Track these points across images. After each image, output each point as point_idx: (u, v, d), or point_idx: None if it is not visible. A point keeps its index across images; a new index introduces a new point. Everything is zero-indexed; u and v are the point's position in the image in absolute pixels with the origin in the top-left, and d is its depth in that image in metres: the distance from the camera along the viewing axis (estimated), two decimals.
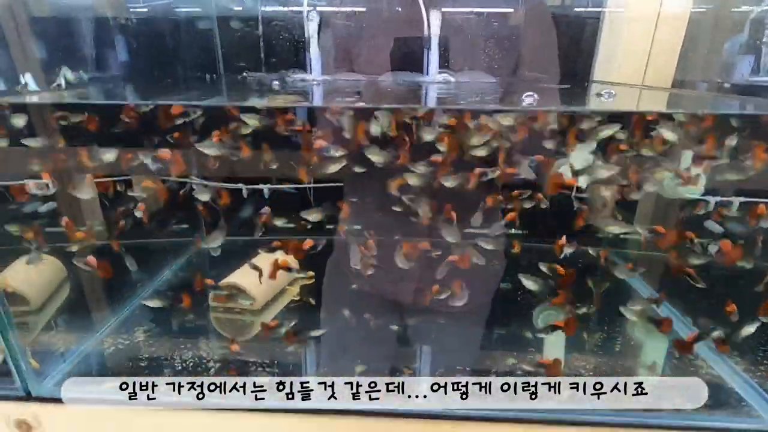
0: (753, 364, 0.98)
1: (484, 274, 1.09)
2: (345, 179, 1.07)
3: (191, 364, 1.04)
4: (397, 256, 0.97)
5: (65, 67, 1.04)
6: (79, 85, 1.09)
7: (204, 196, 0.97)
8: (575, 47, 1.34)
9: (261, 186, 1.43)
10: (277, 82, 1.01)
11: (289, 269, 1.01)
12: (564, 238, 0.91)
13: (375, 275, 1.01)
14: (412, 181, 0.86)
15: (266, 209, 1.01)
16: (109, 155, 0.88)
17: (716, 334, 0.91)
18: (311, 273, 1.34)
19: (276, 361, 1.07)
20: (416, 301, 1.08)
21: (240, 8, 1.40)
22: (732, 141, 0.80)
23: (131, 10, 1.39)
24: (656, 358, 1.12)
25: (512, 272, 1.07)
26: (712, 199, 1.12)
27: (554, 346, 1.14)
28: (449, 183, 0.85)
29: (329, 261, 1.18)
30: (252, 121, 0.84)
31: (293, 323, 1.05)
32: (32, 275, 1.17)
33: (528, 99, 0.84)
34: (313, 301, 1.25)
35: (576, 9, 1.34)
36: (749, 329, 0.86)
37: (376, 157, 0.83)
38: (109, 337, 1.13)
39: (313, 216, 0.94)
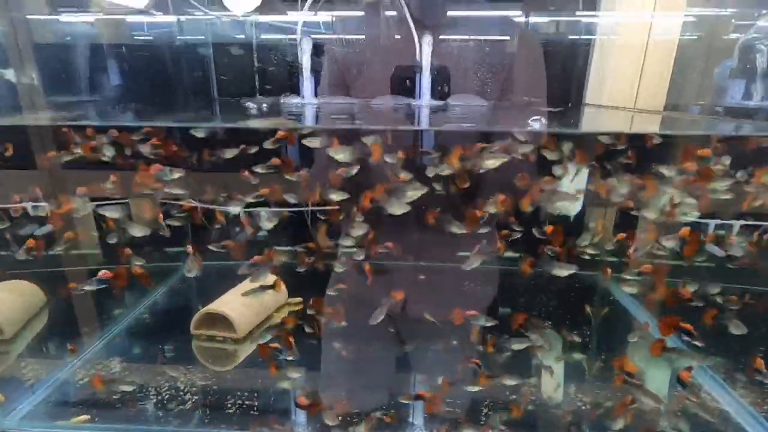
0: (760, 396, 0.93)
1: (474, 294, 1.15)
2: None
3: (167, 396, 0.99)
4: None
5: None
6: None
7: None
8: (568, 72, 1.36)
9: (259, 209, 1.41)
10: (254, 105, 1.02)
11: None
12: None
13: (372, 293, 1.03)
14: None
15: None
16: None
17: None
18: (299, 299, 1.30)
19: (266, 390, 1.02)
20: (407, 315, 1.12)
21: (237, 36, 1.43)
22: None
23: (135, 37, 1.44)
24: (659, 388, 1.07)
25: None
26: (712, 222, 1.10)
27: (551, 374, 1.09)
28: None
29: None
30: None
31: None
32: (5, 302, 1.12)
33: (535, 123, 0.85)
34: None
35: (569, 36, 1.40)
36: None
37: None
38: (82, 368, 1.07)
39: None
